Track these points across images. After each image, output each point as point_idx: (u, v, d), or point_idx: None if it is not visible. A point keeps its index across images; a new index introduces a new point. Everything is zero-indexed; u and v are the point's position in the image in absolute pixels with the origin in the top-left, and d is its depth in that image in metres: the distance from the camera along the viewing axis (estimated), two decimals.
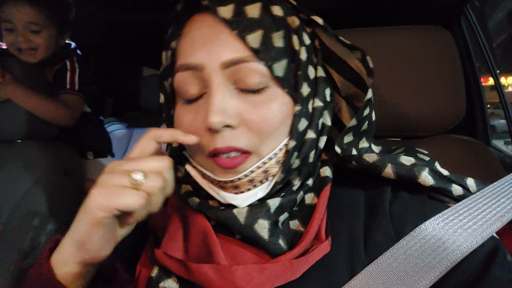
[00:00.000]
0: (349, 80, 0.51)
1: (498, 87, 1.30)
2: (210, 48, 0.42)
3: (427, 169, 0.46)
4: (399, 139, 0.77)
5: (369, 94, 0.48)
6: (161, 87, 0.51)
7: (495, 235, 0.43)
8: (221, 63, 0.42)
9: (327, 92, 0.49)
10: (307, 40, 0.47)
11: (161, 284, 0.43)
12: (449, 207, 0.45)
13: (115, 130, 1.88)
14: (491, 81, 1.35)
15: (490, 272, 0.38)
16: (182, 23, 0.47)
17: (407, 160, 0.47)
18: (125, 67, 2.31)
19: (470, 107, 1.18)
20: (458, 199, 0.46)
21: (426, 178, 0.45)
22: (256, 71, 0.42)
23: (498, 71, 1.33)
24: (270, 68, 0.43)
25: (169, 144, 0.54)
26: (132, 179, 0.36)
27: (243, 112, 0.42)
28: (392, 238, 0.43)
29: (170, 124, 0.49)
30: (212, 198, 0.47)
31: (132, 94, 1.92)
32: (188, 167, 0.48)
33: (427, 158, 0.52)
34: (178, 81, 0.45)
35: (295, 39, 0.46)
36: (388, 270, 0.40)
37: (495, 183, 0.47)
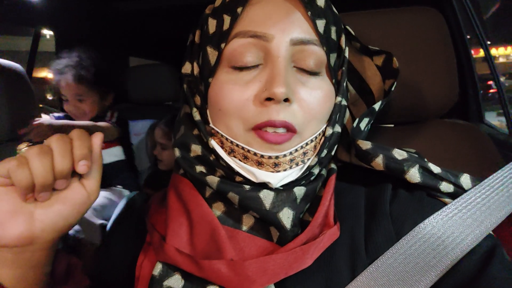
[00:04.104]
0: (357, 90, 0.57)
1: (489, 61, 1.29)
2: (284, 23, 0.43)
3: (417, 166, 0.45)
4: (392, 125, 0.76)
5: (377, 105, 0.52)
6: (196, 57, 0.49)
7: (492, 233, 0.43)
8: (291, 39, 0.43)
9: (348, 91, 0.52)
10: (347, 42, 0.51)
11: (165, 283, 0.42)
12: (445, 203, 0.45)
13: None
14: (481, 53, 1.35)
15: (488, 271, 0.38)
16: None
17: (399, 154, 0.47)
18: (111, 58, 2.27)
19: (463, 86, 1.16)
20: (454, 195, 0.45)
21: (413, 175, 0.45)
22: (318, 56, 0.44)
23: (489, 42, 1.32)
24: (327, 56, 0.45)
25: (185, 119, 0.51)
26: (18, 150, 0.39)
27: (299, 90, 0.43)
28: (392, 238, 0.43)
29: (203, 94, 0.48)
30: (229, 178, 0.46)
31: (120, 86, 1.89)
32: (214, 144, 0.46)
33: (416, 156, 0.51)
34: (234, 48, 0.44)
35: (343, 38, 0.49)
36: (389, 270, 0.40)
37: (492, 175, 0.46)
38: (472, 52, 1.28)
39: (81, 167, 0.38)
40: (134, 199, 0.60)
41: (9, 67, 1.11)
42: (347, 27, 0.55)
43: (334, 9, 0.49)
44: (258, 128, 0.42)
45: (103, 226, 1.42)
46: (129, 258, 0.50)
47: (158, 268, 0.44)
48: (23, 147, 0.39)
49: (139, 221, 0.54)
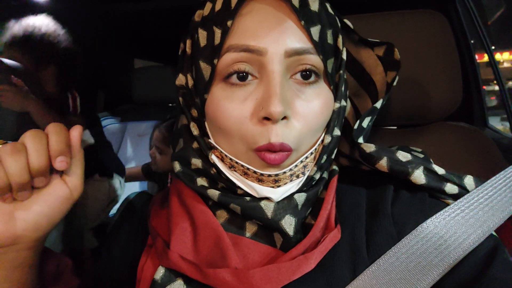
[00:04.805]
0: (358, 81, 0.55)
1: (493, 66, 1.29)
2: (277, 33, 0.41)
3: (421, 168, 0.45)
4: (395, 128, 0.76)
5: (378, 104, 0.51)
6: (189, 69, 0.48)
7: (494, 233, 0.43)
8: (285, 51, 0.41)
9: (346, 91, 0.50)
10: (345, 37, 0.49)
11: None
12: (447, 204, 0.45)
13: (109, 124, 1.87)
14: (486, 58, 1.35)
15: (490, 271, 0.38)
16: (240, 0, 0.43)
17: (403, 156, 0.47)
18: (116, 59, 2.28)
19: (467, 90, 1.16)
20: (458, 196, 0.45)
21: (418, 176, 0.45)
22: (315, 64, 0.43)
23: (493, 47, 1.32)
24: (324, 63, 0.44)
25: (183, 131, 0.51)
26: None
27: (296, 103, 0.42)
28: (394, 238, 0.43)
29: (200, 108, 0.46)
30: (231, 191, 0.46)
31: (124, 87, 1.90)
32: (215, 159, 0.45)
33: (422, 156, 0.51)
34: (227, 62, 0.42)
35: (340, 38, 0.47)
36: (390, 269, 0.40)
37: (495, 176, 0.46)
38: (476, 57, 1.28)
39: (58, 164, 0.38)
40: (135, 199, 0.60)
41: (11, 66, 1.12)
42: (345, 20, 0.53)
43: (329, 9, 0.47)
44: (259, 150, 0.41)
45: (99, 228, 1.43)
46: (131, 259, 0.50)
47: (160, 273, 0.43)
48: None
49: (140, 222, 0.54)
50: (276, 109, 0.38)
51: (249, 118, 0.41)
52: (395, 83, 0.51)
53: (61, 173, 0.41)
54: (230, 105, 0.42)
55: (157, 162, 1.44)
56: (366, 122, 0.52)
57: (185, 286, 0.42)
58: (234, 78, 0.42)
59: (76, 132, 0.41)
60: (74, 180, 0.41)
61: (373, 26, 0.71)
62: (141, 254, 0.49)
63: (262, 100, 0.40)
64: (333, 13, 0.47)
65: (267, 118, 0.40)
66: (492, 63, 1.26)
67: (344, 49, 0.48)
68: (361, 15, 0.73)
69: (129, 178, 1.64)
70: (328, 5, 0.47)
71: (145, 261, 0.47)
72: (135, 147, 1.84)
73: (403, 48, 0.68)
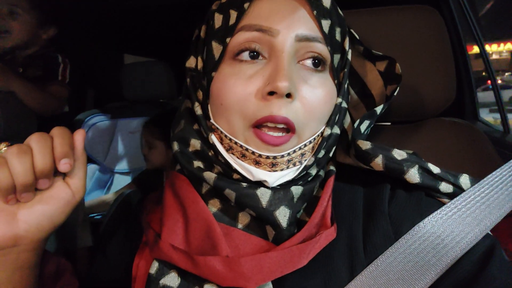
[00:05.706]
0: (357, 93, 0.58)
1: (485, 60, 1.30)
2: (290, 18, 0.43)
3: (416, 167, 0.45)
4: (389, 124, 0.76)
5: (379, 108, 0.52)
6: (200, 51, 0.50)
7: (490, 233, 0.43)
8: (296, 35, 0.43)
9: (349, 93, 0.53)
10: (350, 45, 0.52)
11: (162, 281, 0.42)
12: (444, 203, 0.45)
13: (98, 122, 1.84)
14: (475, 50, 1.36)
15: (487, 271, 0.38)
16: None
17: (399, 154, 0.47)
18: (105, 56, 2.25)
19: (459, 84, 1.17)
20: (453, 195, 0.45)
21: (413, 175, 0.45)
22: (323, 53, 0.45)
23: (482, 39, 1.33)
24: (331, 55, 0.46)
25: (185, 113, 0.51)
26: None
27: (302, 87, 0.43)
28: (390, 238, 0.43)
29: (206, 89, 0.48)
30: (226, 175, 0.46)
31: (114, 84, 1.87)
32: (214, 139, 0.46)
33: (415, 156, 0.51)
34: (239, 41, 0.44)
35: (347, 40, 0.50)
36: (388, 269, 0.40)
37: (492, 174, 0.46)
38: (466, 49, 1.28)
39: (62, 166, 0.38)
40: (128, 197, 0.60)
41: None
42: (351, 30, 0.56)
43: (339, 10, 0.49)
44: (259, 125, 0.42)
45: (94, 225, 1.41)
46: (126, 258, 0.49)
47: (154, 267, 0.43)
48: (2, 148, 0.39)
49: (135, 221, 0.53)
50: (282, 84, 0.40)
51: (253, 95, 0.42)
52: (395, 94, 0.53)
53: (64, 175, 0.42)
54: (236, 82, 0.43)
55: (150, 158, 1.43)
56: (364, 126, 0.53)
57: (179, 278, 0.42)
58: (244, 55, 0.44)
59: (80, 135, 0.42)
60: (77, 183, 0.42)
61: (367, 21, 0.70)
62: (136, 252, 0.49)
63: (269, 77, 0.42)
64: (342, 15, 0.49)
65: (271, 94, 0.41)
66: (484, 57, 1.27)
67: (350, 51, 0.50)
68: (355, 10, 0.73)
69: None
70: (339, 8, 0.49)
71: (140, 259, 0.47)
72: (126, 144, 1.82)
73: (396, 43, 0.68)
